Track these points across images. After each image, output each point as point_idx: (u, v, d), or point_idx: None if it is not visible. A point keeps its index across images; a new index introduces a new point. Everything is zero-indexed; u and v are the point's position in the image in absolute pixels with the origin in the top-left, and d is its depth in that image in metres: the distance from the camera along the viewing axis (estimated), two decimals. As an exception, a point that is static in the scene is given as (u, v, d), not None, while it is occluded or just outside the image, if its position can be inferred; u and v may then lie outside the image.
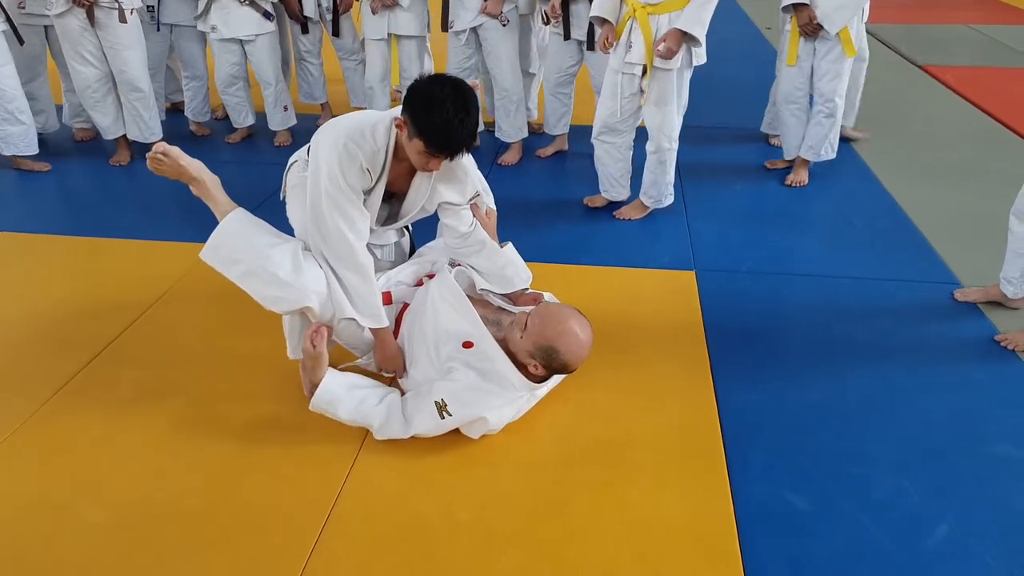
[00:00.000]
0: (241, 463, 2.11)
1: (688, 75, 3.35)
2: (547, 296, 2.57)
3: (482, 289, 2.44)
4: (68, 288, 3.02)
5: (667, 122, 3.37)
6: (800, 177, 3.99)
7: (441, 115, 2.00)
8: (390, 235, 2.56)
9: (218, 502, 1.98)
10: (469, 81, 2.68)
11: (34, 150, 4.17)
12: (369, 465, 2.10)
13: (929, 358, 2.58)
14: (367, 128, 2.16)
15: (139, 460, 2.12)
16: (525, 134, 4.37)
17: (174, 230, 3.48)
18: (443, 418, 2.09)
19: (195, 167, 2.30)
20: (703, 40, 3.12)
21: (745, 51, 7.39)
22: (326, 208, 2.14)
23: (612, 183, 3.67)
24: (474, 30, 4.09)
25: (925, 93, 5.71)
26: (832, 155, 3.93)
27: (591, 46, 3.90)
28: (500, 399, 2.13)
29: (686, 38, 3.11)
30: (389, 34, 4.29)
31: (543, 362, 2.12)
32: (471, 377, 2.13)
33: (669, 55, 3.13)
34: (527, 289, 2.52)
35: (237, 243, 2.21)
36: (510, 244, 2.55)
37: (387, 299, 2.40)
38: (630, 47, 3.25)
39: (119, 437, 2.20)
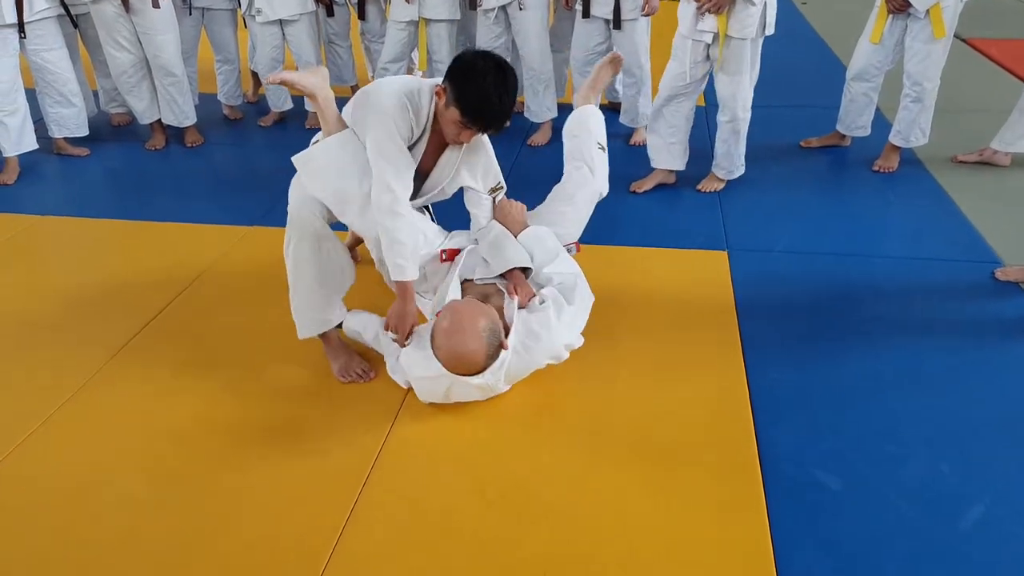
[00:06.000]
0: (276, 439, 2.15)
1: (760, 44, 3.36)
2: (548, 292, 2.31)
3: (479, 279, 2.40)
4: (107, 270, 3.09)
5: (741, 91, 3.39)
6: (889, 163, 3.83)
7: (480, 86, 2.07)
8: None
9: (255, 474, 2.02)
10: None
11: (85, 131, 4.28)
12: (402, 441, 2.12)
13: (967, 337, 2.53)
14: (414, 88, 2.23)
15: (179, 434, 2.17)
16: (554, 114, 4.34)
17: (208, 213, 3.54)
18: (395, 362, 2.27)
19: (309, 85, 2.35)
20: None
21: (777, 27, 7.24)
22: (373, 156, 2.18)
23: (665, 150, 3.62)
24: (503, 8, 4.06)
25: (969, 67, 5.54)
26: (924, 140, 3.76)
27: (617, 24, 3.86)
28: (423, 370, 2.16)
29: None
30: (418, 18, 4.26)
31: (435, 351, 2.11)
32: (415, 341, 2.22)
33: (717, 8, 3.17)
34: (528, 271, 2.39)
35: (329, 164, 2.28)
36: (533, 228, 2.48)
37: (452, 255, 2.44)
38: (703, 16, 3.26)
39: (160, 413, 2.26)
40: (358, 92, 2.32)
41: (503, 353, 2.10)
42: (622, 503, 1.91)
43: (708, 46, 3.35)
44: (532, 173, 3.89)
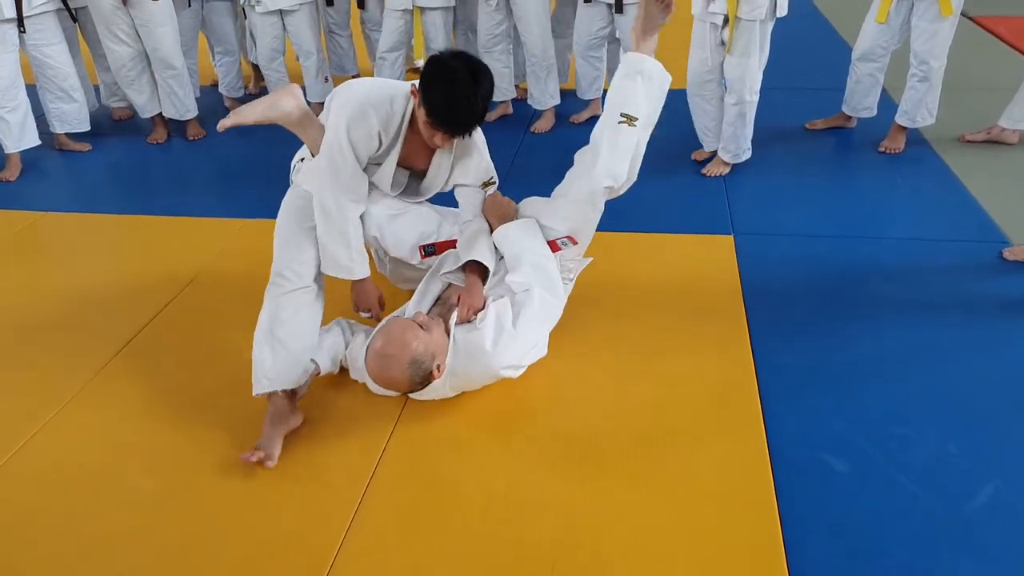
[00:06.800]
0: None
1: (770, 27, 3.34)
2: (493, 311, 2.17)
3: (444, 273, 2.37)
4: (110, 266, 3.09)
5: (749, 73, 3.38)
6: (896, 144, 3.79)
7: (449, 89, 2.04)
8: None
9: (261, 472, 2.01)
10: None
11: (86, 127, 4.27)
12: (407, 434, 2.12)
13: (974, 317, 2.50)
14: (386, 94, 2.21)
15: (184, 428, 2.17)
16: (557, 101, 4.31)
17: (211, 206, 3.54)
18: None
19: (259, 116, 2.34)
20: None
21: (784, 8, 7.17)
22: (323, 158, 2.21)
23: (707, 133, 3.70)
24: (504, -6, 4.03)
25: (976, 46, 5.47)
26: (931, 120, 3.71)
27: (620, 8, 3.82)
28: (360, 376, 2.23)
29: None
30: (412, 6, 4.17)
31: None
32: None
33: None
34: (488, 272, 2.31)
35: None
36: (506, 226, 2.38)
37: (441, 249, 2.44)
38: None
39: (165, 409, 2.26)
40: (331, 93, 2.30)
41: (435, 382, 2.07)
42: (629, 489, 1.90)
43: (722, 30, 3.33)
44: (535, 161, 3.88)
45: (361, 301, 2.38)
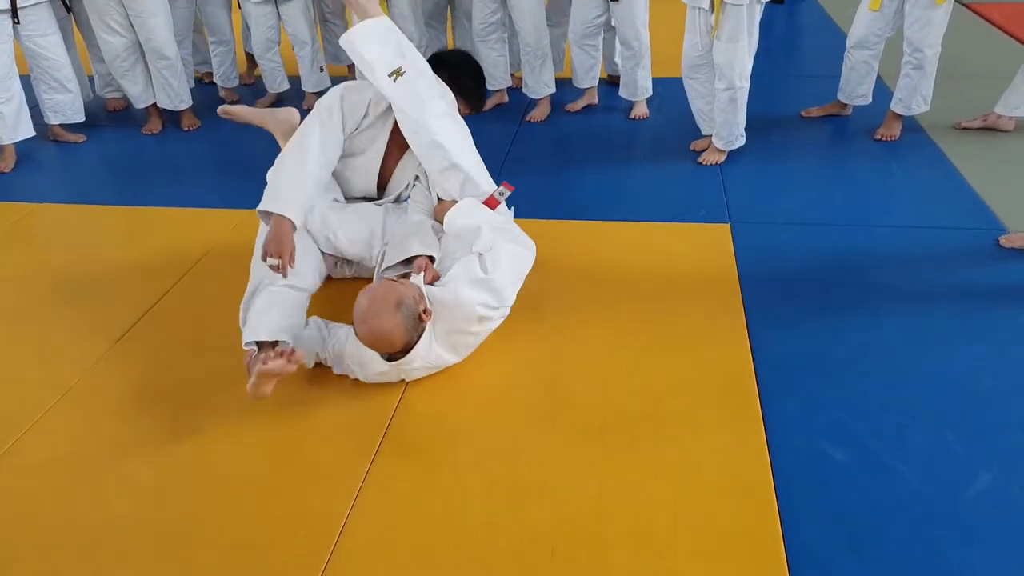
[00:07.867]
0: (282, 419, 2.15)
1: (759, 11, 3.32)
2: (457, 263, 2.26)
3: (385, 269, 2.40)
4: (106, 257, 3.08)
5: (737, 59, 3.35)
6: (891, 131, 3.79)
7: (478, 71, 2.68)
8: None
9: (261, 458, 2.02)
10: None
11: (81, 117, 4.26)
12: (407, 420, 2.13)
13: (971, 305, 2.51)
14: None
15: (182, 417, 2.18)
16: (552, 89, 4.29)
17: (207, 197, 3.52)
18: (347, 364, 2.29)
19: (248, 116, 2.84)
20: None
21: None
22: (312, 116, 2.42)
23: (703, 117, 3.73)
24: (498, -17, 4.02)
25: (971, 32, 5.47)
26: (925, 108, 3.70)
27: (616, -4, 3.81)
28: (368, 366, 2.22)
29: None
30: None
31: None
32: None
33: None
34: (432, 259, 2.38)
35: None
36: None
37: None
38: None
39: (162, 399, 2.26)
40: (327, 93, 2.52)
41: (428, 324, 2.10)
42: (628, 476, 1.91)
43: (710, 15, 3.32)
44: (531, 149, 3.87)
45: (274, 245, 2.25)
